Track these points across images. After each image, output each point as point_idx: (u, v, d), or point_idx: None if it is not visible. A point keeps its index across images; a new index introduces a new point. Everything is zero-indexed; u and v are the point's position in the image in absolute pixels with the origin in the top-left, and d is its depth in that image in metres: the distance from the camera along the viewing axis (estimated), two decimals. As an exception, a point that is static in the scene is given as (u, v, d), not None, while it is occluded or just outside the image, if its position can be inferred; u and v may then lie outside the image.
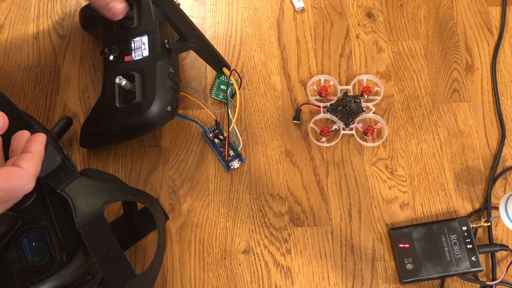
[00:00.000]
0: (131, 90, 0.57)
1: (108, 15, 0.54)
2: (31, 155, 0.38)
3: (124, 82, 0.56)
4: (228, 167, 0.62)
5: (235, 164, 0.62)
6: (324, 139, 0.63)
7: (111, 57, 0.59)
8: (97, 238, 0.44)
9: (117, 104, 0.57)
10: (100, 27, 0.63)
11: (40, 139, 0.40)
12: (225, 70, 0.63)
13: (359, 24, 0.70)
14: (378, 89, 0.66)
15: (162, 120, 0.55)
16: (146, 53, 0.58)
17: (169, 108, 0.55)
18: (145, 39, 0.58)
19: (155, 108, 0.54)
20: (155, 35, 0.58)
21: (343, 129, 0.63)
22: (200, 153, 0.63)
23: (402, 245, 0.57)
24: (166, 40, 0.58)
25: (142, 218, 0.58)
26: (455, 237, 0.57)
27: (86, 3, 0.66)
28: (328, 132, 0.62)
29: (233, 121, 0.61)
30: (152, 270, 0.49)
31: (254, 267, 0.58)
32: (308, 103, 0.65)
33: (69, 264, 0.44)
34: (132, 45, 0.59)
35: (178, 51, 0.59)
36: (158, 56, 0.57)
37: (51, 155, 0.44)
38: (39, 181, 0.47)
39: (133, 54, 0.58)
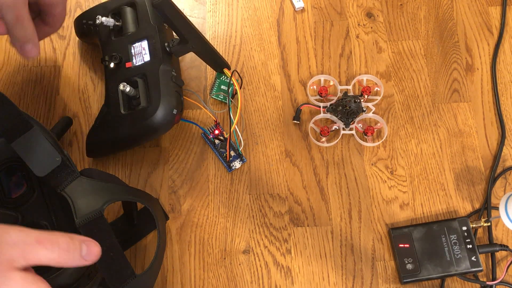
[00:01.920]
0: (135, 96, 0.57)
1: (19, 52, 0.50)
2: None
3: (128, 89, 0.55)
4: (229, 168, 0.62)
5: (236, 164, 0.62)
6: (324, 139, 0.63)
7: (112, 65, 0.59)
8: (97, 238, 0.44)
9: (122, 111, 0.57)
10: (97, 36, 0.62)
11: None
12: (225, 70, 0.63)
13: (359, 24, 0.70)
14: (378, 89, 0.66)
15: (169, 123, 0.55)
16: (147, 58, 0.58)
17: (174, 112, 0.55)
18: (145, 44, 0.58)
19: (161, 112, 0.54)
20: (155, 39, 0.58)
21: (343, 129, 0.63)
22: (200, 153, 0.63)
23: (402, 245, 0.58)
24: (166, 44, 0.58)
25: (142, 218, 0.58)
26: (455, 237, 0.57)
27: (80, 14, 0.66)
28: (328, 132, 0.62)
29: (235, 121, 0.61)
30: (152, 270, 0.49)
31: (254, 267, 0.58)
32: (308, 103, 0.65)
33: None
34: (132, 51, 0.59)
35: (179, 54, 0.59)
36: (160, 60, 0.57)
37: (50, 155, 0.44)
38: (40, 180, 0.47)
39: (134, 60, 0.58)
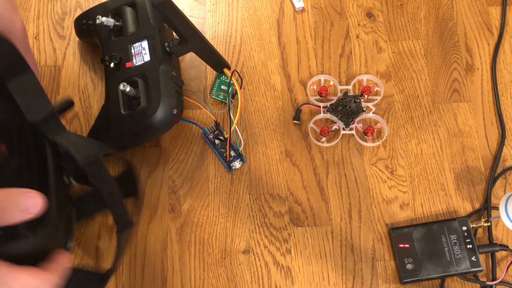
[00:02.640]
0: (135, 96, 0.57)
1: None
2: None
3: (128, 89, 0.55)
4: (229, 168, 0.62)
5: (237, 164, 0.62)
6: (324, 139, 0.63)
7: (112, 65, 0.59)
8: (101, 179, 0.43)
9: (122, 111, 0.57)
10: (97, 36, 0.62)
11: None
12: (226, 70, 0.63)
13: (359, 24, 0.70)
14: (378, 89, 0.66)
15: (169, 123, 0.55)
16: (147, 58, 0.58)
17: (175, 112, 0.55)
18: (145, 44, 0.58)
19: (161, 112, 0.54)
20: (155, 39, 0.58)
21: (343, 129, 0.63)
22: (200, 153, 0.63)
23: (402, 245, 0.58)
24: (166, 44, 0.58)
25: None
26: (455, 237, 0.57)
27: (80, 14, 0.66)
28: (328, 132, 0.62)
29: (235, 122, 0.61)
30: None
31: (254, 267, 0.58)
32: (308, 103, 0.65)
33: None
34: (132, 51, 0.59)
35: (179, 54, 0.59)
36: (160, 60, 0.57)
37: (43, 101, 0.42)
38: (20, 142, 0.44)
39: (134, 60, 0.58)
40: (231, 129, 0.61)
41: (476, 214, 0.61)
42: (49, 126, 0.42)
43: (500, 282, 0.57)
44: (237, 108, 0.61)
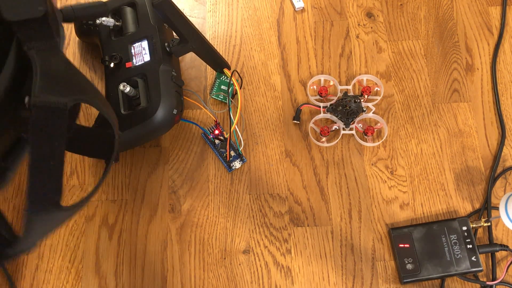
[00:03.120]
0: (135, 96, 0.57)
1: None
2: None
3: (128, 89, 0.56)
4: (229, 168, 0.62)
5: (237, 164, 0.62)
6: (324, 139, 0.63)
7: (112, 65, 0.59)
8: (46, 135, 0.33)
9: (122, 111, 0.57)
10: (97, 36, 0.62)
11: None
12: (226, 70, 0.63)
13: (359, 24, 0.70)
14: (378, 89, 0.66)
15: (169, 123, 0.56)
16: (147, 58, 0.58)
17: (175, 112, 0.55)
18: (145, 44, 0.58)
19: (161, 112, 0.54)
20: (155, 39, 0.58)
21: (343, 129, 0.63)
22: (200, 153, 0.63)
23: (402, 245, 0.58)
24: (166, 44, 0.58)
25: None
26: (455, 237, 0.57)
27: None
28: (328, 132, 0.62)
29: (235, 122, 0.61)
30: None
31: (254, 267, 0.58)
32: (308, 103, 0.65)
33: None
34: (132, 51, 0.59)
35: (179, 54, 0.59)
36: (160, 60, 0.57)
37: (33, 1, 0.32)
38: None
39: (134, 60, 0.58)
40: (231, 129, 0.61)
41: (476, 214, 0.61)
42: (30, 34, 0.33)
43: (500, 282, 0.57)
44: (237, 108, 0.61)
